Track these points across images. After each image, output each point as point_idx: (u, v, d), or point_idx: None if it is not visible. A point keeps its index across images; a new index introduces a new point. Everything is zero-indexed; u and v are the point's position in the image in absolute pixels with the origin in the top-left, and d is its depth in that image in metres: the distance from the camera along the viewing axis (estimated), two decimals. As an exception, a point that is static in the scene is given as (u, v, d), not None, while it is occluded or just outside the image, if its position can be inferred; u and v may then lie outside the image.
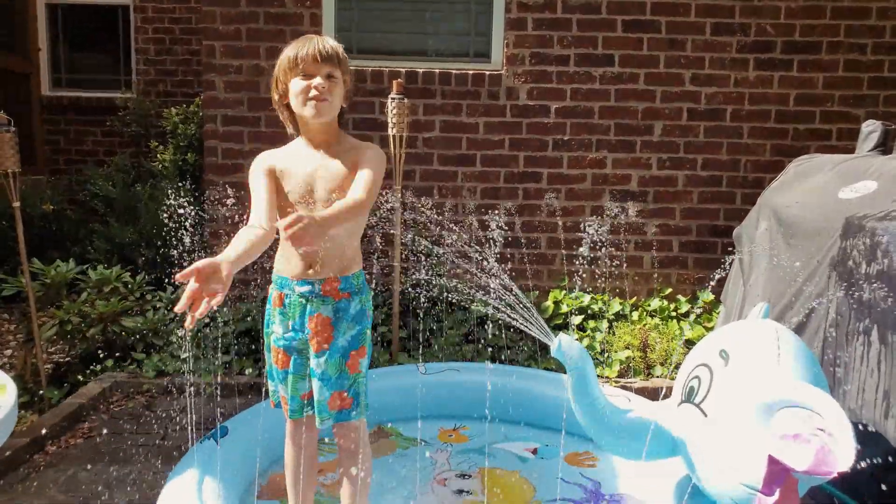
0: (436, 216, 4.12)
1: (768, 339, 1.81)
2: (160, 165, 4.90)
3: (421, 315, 3.74)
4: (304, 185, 1.88)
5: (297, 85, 1.84)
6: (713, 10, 4.13)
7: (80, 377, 3.47)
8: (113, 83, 6.39)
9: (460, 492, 2.49)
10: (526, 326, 2.09)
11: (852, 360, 2.14)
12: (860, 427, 2.06)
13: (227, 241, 1.77)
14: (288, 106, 1.90)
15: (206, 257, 1.55)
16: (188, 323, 1.44)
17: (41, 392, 3.26)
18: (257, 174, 1.91)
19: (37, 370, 3.32)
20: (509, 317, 2.12)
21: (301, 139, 1.96)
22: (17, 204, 3.12)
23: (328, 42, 1.87)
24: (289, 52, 1.87)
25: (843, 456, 1.47)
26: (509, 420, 2.95)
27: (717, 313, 3.77)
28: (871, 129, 3.01)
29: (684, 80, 4.18)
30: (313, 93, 1.82)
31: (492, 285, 2.35)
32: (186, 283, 1.46)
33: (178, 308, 1.43)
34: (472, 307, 3.62)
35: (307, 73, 1.83)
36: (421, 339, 3.74)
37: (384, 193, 3.34)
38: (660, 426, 1.92)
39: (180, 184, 4.49)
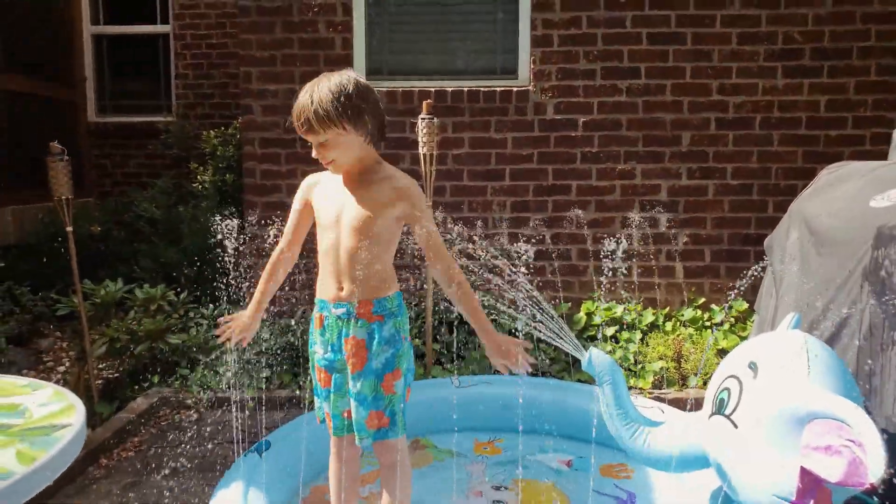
0: (466, 230, 4.19)
1: (797, 349, 1.83)
2: (200, 186, 5.08)
3: (454, 328, 3.80)
4: (332, 214, 1.96)
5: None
6: (739, 19, 4.14)
7: (129, 392, 3.62)
8: (155, 108, 6.66)
9: (496, 503, 2.53)
10: (556, 341, 2.14)
11: (887, 370, 2.14)
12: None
13: (266, 260, 2.01)
14: None
15: (244, 275, 1.89)
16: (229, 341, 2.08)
17: (93, 407, 3.42)
18: (296, 200, 2.08)
19: (89, 386, 3.47)
20: (540, 331, 2.17)
21: None
22: (70, 229, 3.28)
23: (309, 106, 1.81)
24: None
25: (874, 467, 1.49)
26: (544, 432, 2.98)
27: (752, 322, 3.75)
28: (903, 136, 2.98)
29: (711, 91, 4.19)
30: (317, 156, 1.92)
31: (522, 300, 2.41)
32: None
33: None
34: (504, 321, 3.67)
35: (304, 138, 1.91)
36: (454, 353, 3.80)
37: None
38: (690, 439, 1.95)
39: (220, 204, 4.66)
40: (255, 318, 2.09)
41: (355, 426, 1.96)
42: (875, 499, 1.87)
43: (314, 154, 1.92)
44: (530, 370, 1.89)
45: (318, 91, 1.83)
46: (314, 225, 2.05)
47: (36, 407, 1.53)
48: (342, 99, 1.81)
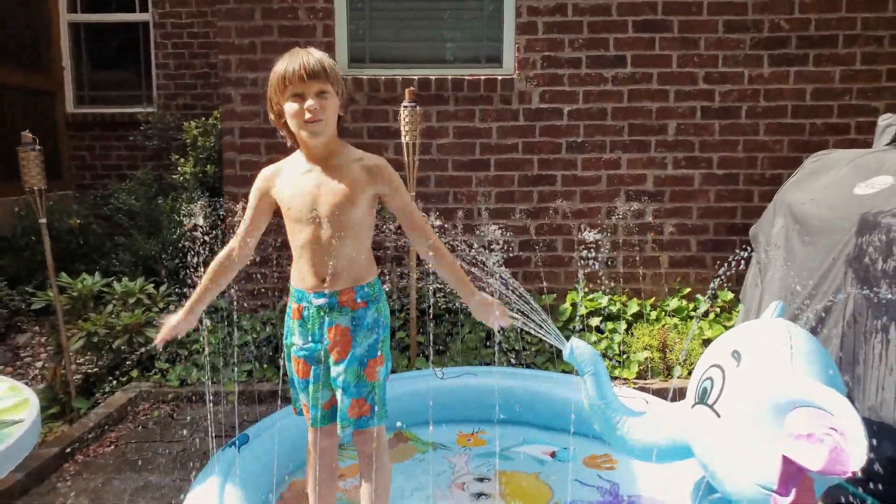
0: (448, 221, 4.14)
1: (780, 338, 1.80)
2: (181, 178, 5.00)
3: (441, 319, 3.76)
4: (307, 205, 1.88)
5: (290, 108, 1.84)
6: (725, 7, 4.10)
7: (107, 387, 3.56)
8: (135, 98, 6.54)
9: (479, 495, 2.50)
10: (539, 332, 2.10)
11: (870, 358, 2.12)
12: (880, 424, 2.04)
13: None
14: (286, 124, 1.90)
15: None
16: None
17: (71, 403, 3.35)
18: (254, 193, 2.00)
19: (66, 381, 3.41)
20: (522, 323, 2.14)
21: (301, 153, 1.96)
22: (43, 220, 3.21)
23: (313, 56, 1.84)
24: (277, 68, 1.85)
25: (856, 455, 1.47)
26: (528, 423, 2.96)
27: (737, 312, 3.74)
28: (888, 123, 2.97)
29: (697, 79, 4.16)
30: (307, 115, 1.81)
31: (505, 291, 2.37)
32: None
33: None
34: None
35: (297, 93, 1.82)
36: (438, 344, 3.76)
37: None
38: (672, 430, 1.92)
39: (200, 195, 4.58)
40: (186, 318, 2.02)
41: (339, 415, 1.94)
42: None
43: (307, 114, 1.80)
44: (508, 325, 1.97)
45: (312, 51, 1.86)
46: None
47: (-13, 402, 1.47)
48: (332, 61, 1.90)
